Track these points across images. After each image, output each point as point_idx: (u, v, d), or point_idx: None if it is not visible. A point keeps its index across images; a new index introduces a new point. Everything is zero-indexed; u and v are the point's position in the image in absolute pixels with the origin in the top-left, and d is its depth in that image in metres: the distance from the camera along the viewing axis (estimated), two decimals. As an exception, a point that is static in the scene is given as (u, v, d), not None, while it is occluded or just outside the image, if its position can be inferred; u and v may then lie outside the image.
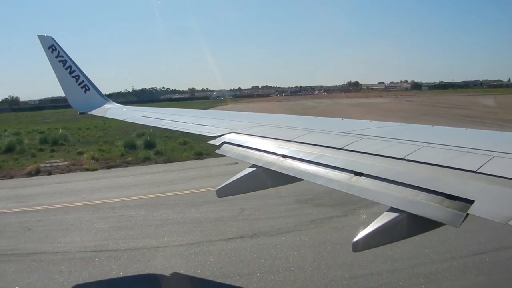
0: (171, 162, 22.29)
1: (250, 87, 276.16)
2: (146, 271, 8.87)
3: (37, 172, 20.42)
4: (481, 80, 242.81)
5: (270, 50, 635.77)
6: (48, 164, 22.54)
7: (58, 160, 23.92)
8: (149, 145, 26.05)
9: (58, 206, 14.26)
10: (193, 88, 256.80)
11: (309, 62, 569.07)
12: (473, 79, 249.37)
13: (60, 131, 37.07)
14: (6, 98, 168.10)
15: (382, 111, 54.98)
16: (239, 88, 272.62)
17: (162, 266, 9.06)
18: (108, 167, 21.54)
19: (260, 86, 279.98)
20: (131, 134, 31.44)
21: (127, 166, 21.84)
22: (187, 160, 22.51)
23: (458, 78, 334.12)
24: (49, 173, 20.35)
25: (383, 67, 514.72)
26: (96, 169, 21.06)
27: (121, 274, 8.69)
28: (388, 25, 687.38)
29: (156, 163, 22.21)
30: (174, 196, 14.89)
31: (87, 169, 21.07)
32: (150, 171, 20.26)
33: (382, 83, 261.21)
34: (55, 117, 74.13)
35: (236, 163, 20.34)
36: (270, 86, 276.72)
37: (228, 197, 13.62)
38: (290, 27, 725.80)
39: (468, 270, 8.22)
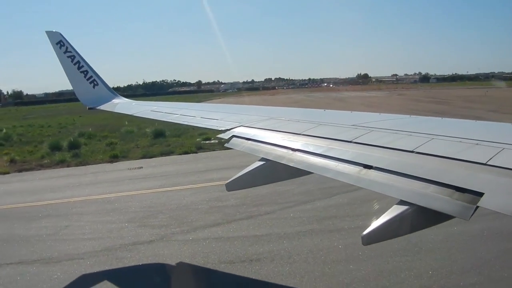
0: (84, 165, 21.35)
1: (263, 79, 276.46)
2: None
3: None
4: (496, 72, 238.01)
5: (283, 43, 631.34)
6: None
7: (-23, 162, 23.17)
8: (74, 146, 25.02)
9: None
10: (199, 81, 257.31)
11: (322, 54, 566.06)
12: (488, 71, 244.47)
13: (4, 130, 36.24)
14: (8, 92, 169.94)
15: (358, 105, 53.42)
16: (252, 80, 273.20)
17: None
18: (20, 171, 20.77)
19: (273, 79, 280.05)
20: (70, 134, 30.63)
21: (39, 169, 21.05)
22: (101, 163, 21.49)
23: (472, 70, 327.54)
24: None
25: (397, 60, 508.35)
26: (8, 173, 20.38)
27: None
28: (404, 16, 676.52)
29: (69, 166, 21.31)
30: (30, 207, 13.95)
31: (-1, 172, 20.24)
32: (53, 175, 19.44)
33: (395, 75, 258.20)
34: (43, 112, 73.96)
35: (141, 167, 19.59)
36: (283, 79, 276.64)
37: (70, 211, 12.76)
38: (304, 20, 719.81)
39: None
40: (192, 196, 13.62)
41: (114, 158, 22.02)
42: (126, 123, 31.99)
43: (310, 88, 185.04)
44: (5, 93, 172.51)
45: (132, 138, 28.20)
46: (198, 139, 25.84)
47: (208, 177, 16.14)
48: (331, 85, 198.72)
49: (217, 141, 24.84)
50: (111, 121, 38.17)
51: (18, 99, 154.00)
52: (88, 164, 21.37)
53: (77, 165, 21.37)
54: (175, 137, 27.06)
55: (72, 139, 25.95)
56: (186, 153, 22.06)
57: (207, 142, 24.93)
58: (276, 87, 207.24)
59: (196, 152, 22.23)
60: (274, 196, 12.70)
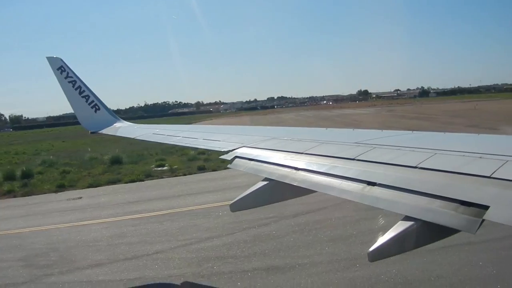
0: (30, 195, 20.82)
1: (266, 99, 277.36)
2: None
3: None
4: (499, 83, 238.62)
5: (287, 61, 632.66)
6: None
7: None
8: (28, 176, 24.57)
9: None
10: (198, 102, 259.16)
11: (325, 72, 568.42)
12: (491, 83, 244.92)
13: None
14: (9, 116, 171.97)
15: (337, 123, 53.08)
16: (255, 99, 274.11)
17: None
18: (-36, 201, 20.18)
19: (275, 98, 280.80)
20: (34, 161, 30.23)
21: (-15, 200, 20.46)
22: (46, 193, 20.96)
23: (475, 83, 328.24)
24: None
25: (401, 74, 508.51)
26: (-50, 204, 19.75)
27: None
28: (407, 31, 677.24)
29: (15, 196, 20.82)
30: None
31: None
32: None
33: (397, 90, 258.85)
34: (32, 137, 74.03)
35: (81, 197, 19.06)
36: (285, 97, 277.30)
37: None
38: (305, 38, 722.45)
39: None
40: (100, 231, 13.04)
41: (60, 188, 21.47)
42: (89, 149, 31.63)
43: (308, 106, 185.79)
44: (7, 117, 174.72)
45: (91, 165, 27.72)
46: (151, 166, 25.38)
47: (132, 209, 15.59)
48: (330, 103, 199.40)
49: (168, 168, 24.44)
50: (89, 146, 37.84)
51: (16, 123, 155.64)
52: (34, 194, 20.85)
53: (23, 195, 20.83)
54: (132, 163, 26.59)
55: (24, 168, 25.41)
56: (133, 181, 21.55)
57: (158, 169, 24.47)
58: (276, 106, 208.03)
59: (143, 180, 21.66)
60: (178, 231, 12.17)
